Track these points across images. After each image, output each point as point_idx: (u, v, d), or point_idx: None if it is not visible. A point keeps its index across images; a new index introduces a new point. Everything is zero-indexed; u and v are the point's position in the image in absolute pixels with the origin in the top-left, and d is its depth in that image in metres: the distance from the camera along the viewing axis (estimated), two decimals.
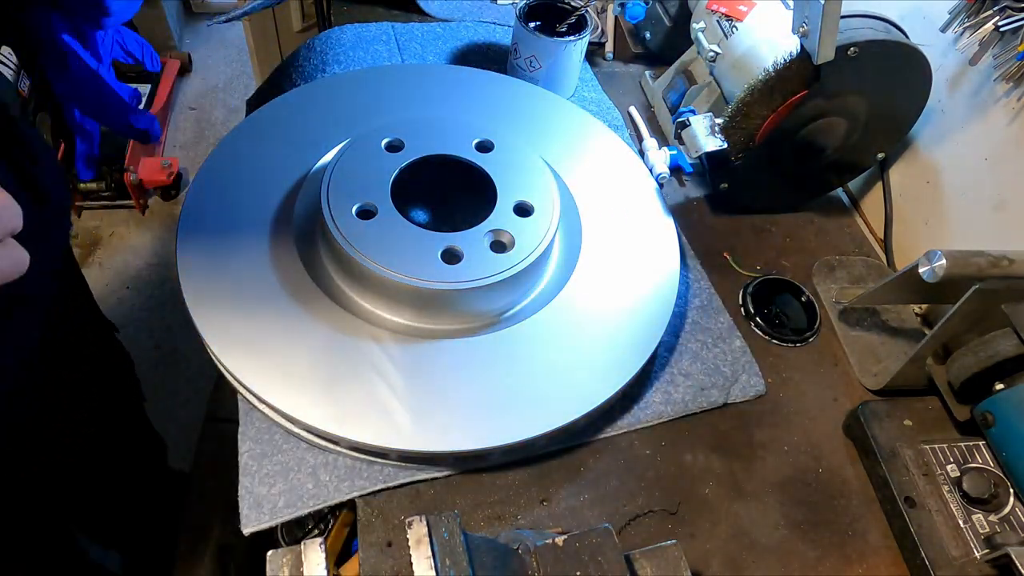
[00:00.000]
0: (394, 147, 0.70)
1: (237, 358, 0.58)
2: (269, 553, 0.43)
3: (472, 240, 0.64)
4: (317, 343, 0.60)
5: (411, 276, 0.60)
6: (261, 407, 0.60)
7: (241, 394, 0.62)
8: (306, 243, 0.67)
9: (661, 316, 0.68)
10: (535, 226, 0.66)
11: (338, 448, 0.60)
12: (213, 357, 0.60)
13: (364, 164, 0.68)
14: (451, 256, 0.63)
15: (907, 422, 0.67)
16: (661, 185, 0.85)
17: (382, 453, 0.59)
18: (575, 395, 0.61)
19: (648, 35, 1.07)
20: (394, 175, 0.67)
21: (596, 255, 0.71)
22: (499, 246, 0.65)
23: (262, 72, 1.72)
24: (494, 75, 0.91)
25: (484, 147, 0.72)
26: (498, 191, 0.68)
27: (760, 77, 0.74)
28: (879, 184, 0.90)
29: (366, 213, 0.64)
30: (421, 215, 0.78)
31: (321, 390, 0.58)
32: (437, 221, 0.78)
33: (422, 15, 1.05)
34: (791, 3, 0.73)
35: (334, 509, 0.60)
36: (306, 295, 0.63)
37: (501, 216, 0.66)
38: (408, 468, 0.60)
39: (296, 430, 0.60)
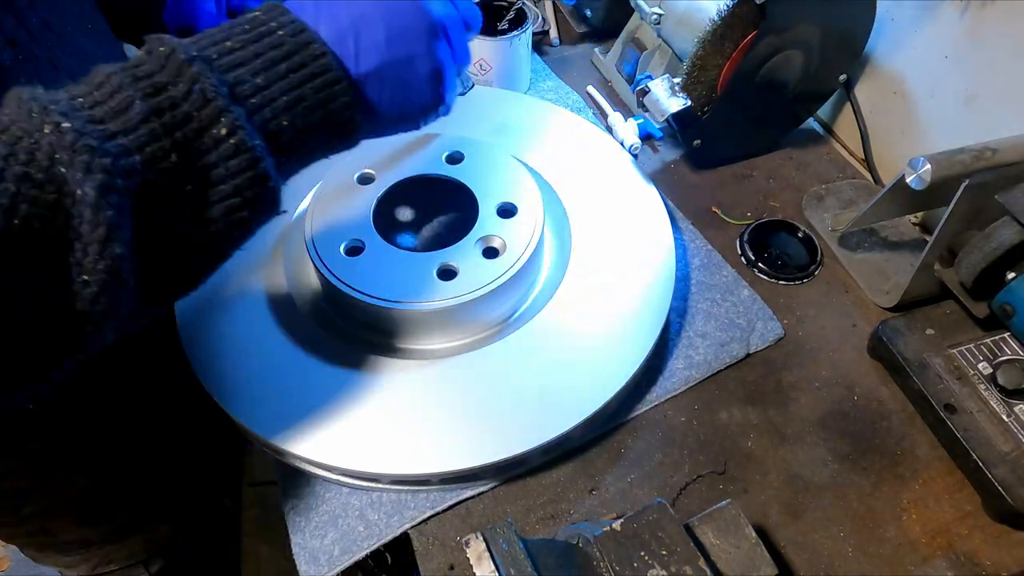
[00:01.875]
0: (366, 179, 0.70)
1: (271, 426, 0.58)
2: None
3: (464, 252, 0.64)
4: (337, 388, 0.60)
5: (414, 302, 0.60)
6: (297, 463, 0.61)
7: (278, 458, 0.62)
8: (306, 295, 0.67)
9: (666, 283, 0.68)
10: (522, 224, 0.66)
11: (380, 485, 0.60)
12: (247, 434, 0.60)
13: (340, 202, 0.68)
14: (447, 272, 0.63)
15: (929, 331, 0.67)
16: (635, 156, 0.85)
17: (424, 479, 0.59)
18: (601, 378, 0.61)
19: (589, 12, 1.07)
20: (372, 206, 0.67)
21: (588, 239, 0.71)
22: (491, 252, 0.65)
23: None
24: None
25: (454, 159, 0.72)
26: (478, 198, 0.68)
27: (708, 28, 0.74)
28: (848, 106, 0.90)
29: (354, 250, 0.64)
30: (409, 239, 0.78)
31: (350, 432, 0.58)
32: (426, 241, 0.78)
33: None
34: None
35: (389, 546, 0.59)
36: (317, 344, 0.63)
37: (487, 222, 0.66)
38: (453, 489, 0.60)
39: (335, 477, 0.60)
